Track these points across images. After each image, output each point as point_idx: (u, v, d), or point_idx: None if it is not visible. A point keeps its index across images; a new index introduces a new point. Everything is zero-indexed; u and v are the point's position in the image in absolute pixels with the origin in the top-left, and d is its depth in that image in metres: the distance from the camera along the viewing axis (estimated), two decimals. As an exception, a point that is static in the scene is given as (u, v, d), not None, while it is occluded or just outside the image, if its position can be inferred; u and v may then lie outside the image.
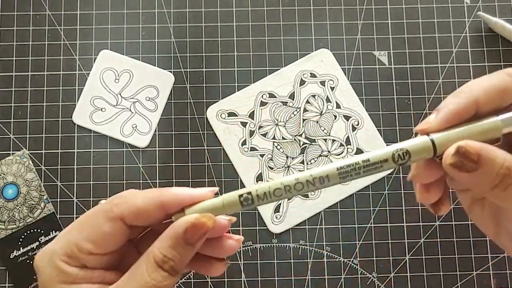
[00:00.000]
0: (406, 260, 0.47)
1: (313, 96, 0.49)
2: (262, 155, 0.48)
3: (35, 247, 0.46)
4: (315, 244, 0.47)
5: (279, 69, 0.50)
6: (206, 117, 0.49)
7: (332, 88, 0.49)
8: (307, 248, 0.47)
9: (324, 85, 0.49)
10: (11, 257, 0.46)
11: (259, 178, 0.48)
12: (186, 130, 0.49)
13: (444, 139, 0.27)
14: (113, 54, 0.50)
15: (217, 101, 0.49)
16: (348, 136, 0.48)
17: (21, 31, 0.50)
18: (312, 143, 0.48)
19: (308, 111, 0.49)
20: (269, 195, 0.27)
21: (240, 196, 0.27)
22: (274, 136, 0.49)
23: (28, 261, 0.46)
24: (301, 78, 0.49)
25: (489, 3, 0.51)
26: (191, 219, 0.27)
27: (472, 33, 0.50)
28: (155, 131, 0.49)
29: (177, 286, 0.46)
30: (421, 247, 0.47)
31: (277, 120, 0.49)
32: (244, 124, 0.49)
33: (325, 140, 0.48)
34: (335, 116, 0.49)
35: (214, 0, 0.51)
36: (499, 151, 0.26)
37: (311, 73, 0.50)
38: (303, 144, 0.48)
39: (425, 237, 0.47)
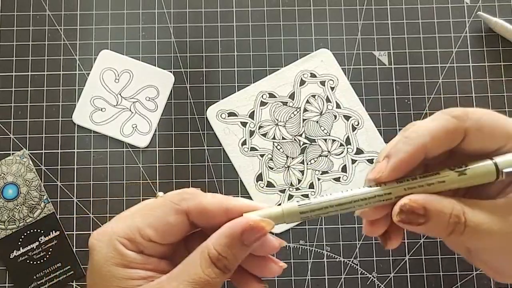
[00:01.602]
0: (406, 260, 0.47)
1: (313, 96, 0.49)
2: (262, 155, 0.48)
3: (35, 247, 0.46)
4: (315, 244, 0.47)
5: (279, 69, 0.50)
6: (206, 117, 0.49)
7: (332, 88, 0.49)
8: (307, 248, 0.47)
9: (324, 85, 0.49)
10: (11, 257, 0.46)
11: (259, 178, 0.48)
12: (186, 130, 0.49)
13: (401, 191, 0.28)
14: (113, 54, 0.50)
15: (217, 101, 0.49)
16: (348, 136, 0.48)
17: (21, 31, 0.50)
18: (312, 143, 0.48)
19: (308, 111, 0.49)
20: (327, 204, 0.28)
21: (299, 204, 0.28)
22: (274, 136, 0.48)
23: (28, 261, 0.46)
24: (301, 78, 0.49)
25: (489, 3, 0.51)
26: (250, 221, 0.27)
27: (472, 33, 0.50)
28: (155, 131, 0.49)
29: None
30: (421, 247, 0.47)
31: (277, 120, 0.49)
32: (244, 124, 0.49)
33: (325, 140, 0.48)
34: (335, 116, 0.49)
35: (214, 0, 0.51)
36: (446, 200, 0.27)
37: (311, 73, 0.50)
38: (303, 144, 0.48)
39: (425, 237, 0.47)
